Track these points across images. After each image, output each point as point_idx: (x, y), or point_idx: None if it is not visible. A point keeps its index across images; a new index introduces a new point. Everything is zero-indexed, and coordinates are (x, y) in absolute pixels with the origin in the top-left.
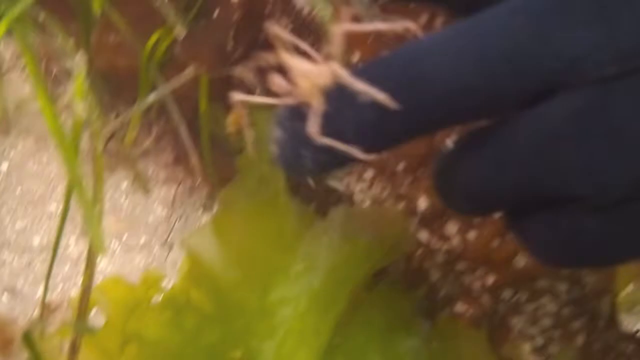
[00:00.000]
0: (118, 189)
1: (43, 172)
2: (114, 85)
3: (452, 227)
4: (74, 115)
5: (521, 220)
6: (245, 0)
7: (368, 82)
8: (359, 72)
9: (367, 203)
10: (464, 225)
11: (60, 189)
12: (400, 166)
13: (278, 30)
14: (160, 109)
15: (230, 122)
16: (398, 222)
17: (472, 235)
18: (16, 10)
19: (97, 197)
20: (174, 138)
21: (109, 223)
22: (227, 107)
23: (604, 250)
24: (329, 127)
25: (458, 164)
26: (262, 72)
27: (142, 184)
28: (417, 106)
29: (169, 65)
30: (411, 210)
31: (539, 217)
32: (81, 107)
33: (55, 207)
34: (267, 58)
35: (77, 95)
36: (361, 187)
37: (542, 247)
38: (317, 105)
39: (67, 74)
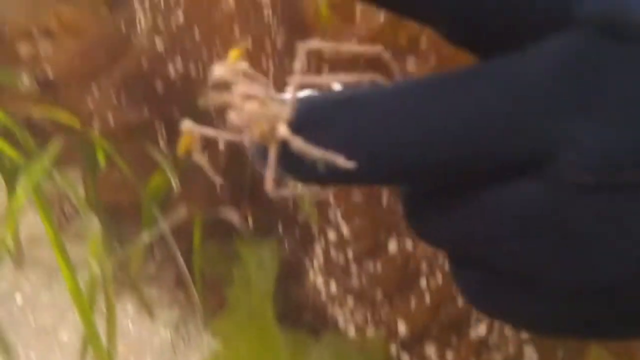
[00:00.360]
0: (125, 314)
1: (54, 302)
2: (118, 218)
3: (430, 349)
4: (89, 276)
5: (461, 265)
6: (230, 148)
7: (321, 128)
8: (313, 116)
9: (351, 329)
10: (442, 346)
11: (71, 318)
12: (378, 294)
13: (231, 67)
14: (161, 236)
15: (181, 147)
16: (381, 348)
17: (450, 356)
18: (34, 170)
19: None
20: (175, 262)
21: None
22: (220, 243)
23: (524, 319)
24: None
25: (418, 205)
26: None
27: (147, 308)
28: (364, 165)
29: (168, 201)
30: (392, 335)
31: (476, 270)
32: (96, 269)
33: (66, 336)
34: (221, 97)
35: (92, 255)
36: (344, 315)
37: (468, 293)
38: (273, 152)
39: (77, 211)
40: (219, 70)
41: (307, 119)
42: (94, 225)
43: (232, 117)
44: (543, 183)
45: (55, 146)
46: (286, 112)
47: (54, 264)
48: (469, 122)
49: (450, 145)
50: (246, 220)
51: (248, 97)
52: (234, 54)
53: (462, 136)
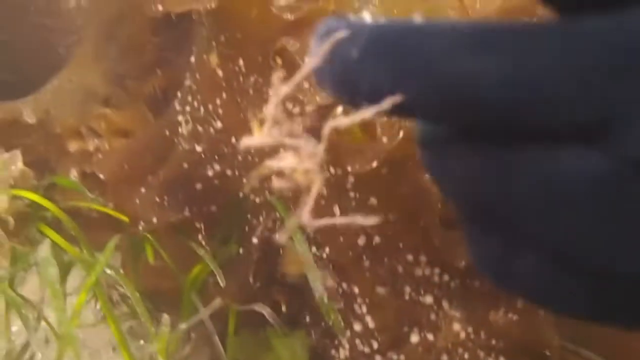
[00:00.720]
0: None
1: None
2: (157, 303)
3: None
4: None
5: (481, 230)
6: (263, 243)
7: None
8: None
9: None
10: None
11: None
12: None
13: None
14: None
15: (293, 263)
16: None
17: None
18: (95, 269)
19: None
20: (210, 342)
21: None
22: (253, 332)
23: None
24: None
25: (444, 150)
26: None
27: None
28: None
29: (205, 289)
30: None
31: (496, 238)
32: None
33: None
34: (259, 174)
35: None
36: None
37: (482, 262)
38: (318, 187)
39: (123, 297)
40: (247, 141)
41: (376, 43)
42: (163, 320)
43: (276, 184)
44: (602, 155)
45: (114, 242)
46: (320, 149)
47: (94, 345)
48: (542, 72)
49: (521, 91)
50: (278, 309)
51: (280, 158)
52: (256, 124)
53: (533, 85)
